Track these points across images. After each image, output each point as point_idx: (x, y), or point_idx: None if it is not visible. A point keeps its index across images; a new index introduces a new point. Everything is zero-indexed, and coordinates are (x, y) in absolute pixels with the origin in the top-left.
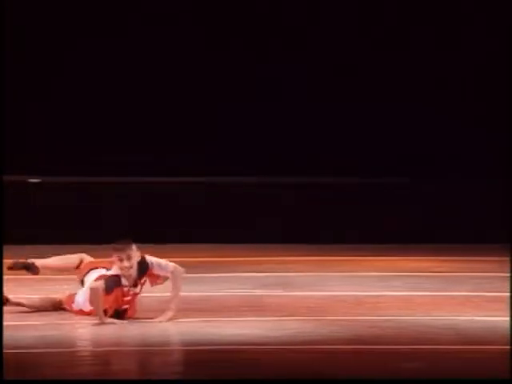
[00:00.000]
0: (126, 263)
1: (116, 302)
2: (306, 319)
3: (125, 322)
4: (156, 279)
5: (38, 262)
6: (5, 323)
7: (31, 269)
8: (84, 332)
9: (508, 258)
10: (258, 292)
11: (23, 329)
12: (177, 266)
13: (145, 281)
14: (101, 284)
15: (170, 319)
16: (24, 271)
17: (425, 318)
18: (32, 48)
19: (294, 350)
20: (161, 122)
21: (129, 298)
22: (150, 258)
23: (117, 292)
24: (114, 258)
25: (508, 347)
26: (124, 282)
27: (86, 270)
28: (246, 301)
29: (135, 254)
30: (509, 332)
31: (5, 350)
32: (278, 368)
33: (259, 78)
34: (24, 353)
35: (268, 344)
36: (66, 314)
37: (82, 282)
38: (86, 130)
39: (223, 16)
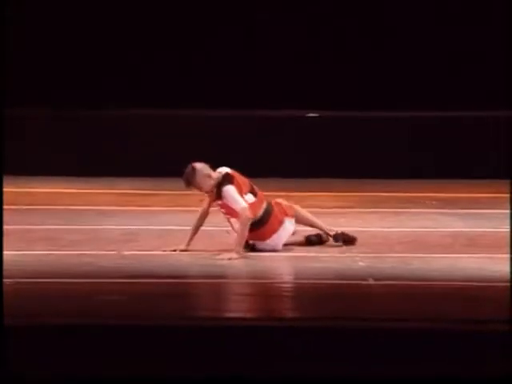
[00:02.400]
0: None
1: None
2: None
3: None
4: (229, 212)
5: None
6: None
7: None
8: None
9: None
10: None
11: None
12: (247, 209)
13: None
14: None
15: (229, 259)
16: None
17: None
18: None
19: None
20: None
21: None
22: (228, 187)
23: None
24: None
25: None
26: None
27: None
28: None
29: (199, 182)
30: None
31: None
32: None
33: None
34: None
35: None
36: None
37: None
38: None
39: None
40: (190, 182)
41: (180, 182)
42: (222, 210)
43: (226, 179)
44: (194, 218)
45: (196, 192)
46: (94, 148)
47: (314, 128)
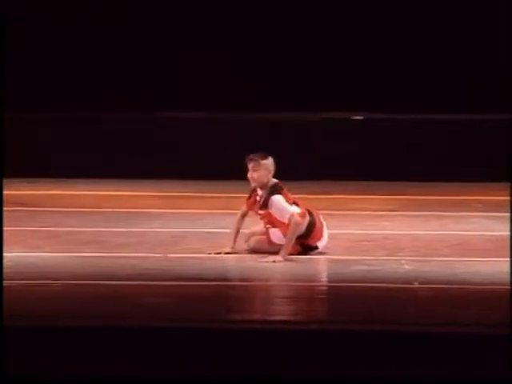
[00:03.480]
0: (249, 174)
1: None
2: None
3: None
4: (270, 221)
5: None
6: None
7: None
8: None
9: None
10: None
11: None
12: (296, 215)
13: (264, 214)
14: None
15: (273, 261)
16: None
17: None
18: None
19: None
20: None
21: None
22: (276, 197)
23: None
24: None
25: None
26: (256, 192)
27: None
28: None
29: (263, 169)
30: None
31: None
32: None
33: None
34: None
35: None
36: None
37: None
38: None
39: None
40: (257, 161)
41: (226, 185)
42: (264, 220)
43: (276, 188)
44: (233, 221)
45: (242, 195)
46: (140, 150)
47: (359, 130)
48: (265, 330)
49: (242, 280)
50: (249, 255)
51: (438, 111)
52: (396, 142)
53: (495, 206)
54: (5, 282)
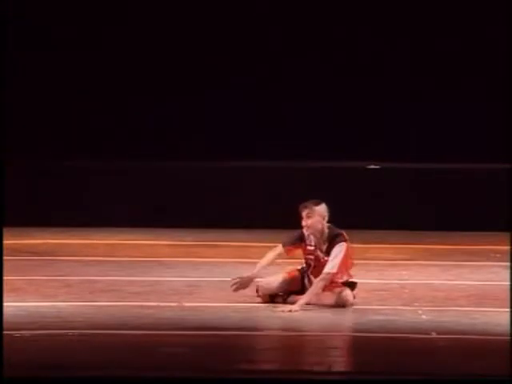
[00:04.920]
0: (303, 221)
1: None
2: None
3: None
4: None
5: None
6: None
7: None
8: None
9: None
10: None
11: None
12: (334, 275)
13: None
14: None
15: (289, 311)
16: None
17: None
18: None
19: None
20: None
21: (311, 256)
22: (343, 245)
23: (299, 246)
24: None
25: None
26: (308, 240)
27: None
28: None
29: (317, 215)
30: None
31: None
32: None
33: None
34: None
35: None
36: None
37: None
38: None
39: None
40: (310, 207)
41: (241, 234)
42: (310, 257)
43: (342, 237)
44: (267, 254)
45: (270, 244)
46: (156, 199)
47: (372, 179)
48: (282, 381)
49: (258, 329)
50: (263, 305)
51: (453, 160)
52: (407, 190)
53: None
54: (18, 332)
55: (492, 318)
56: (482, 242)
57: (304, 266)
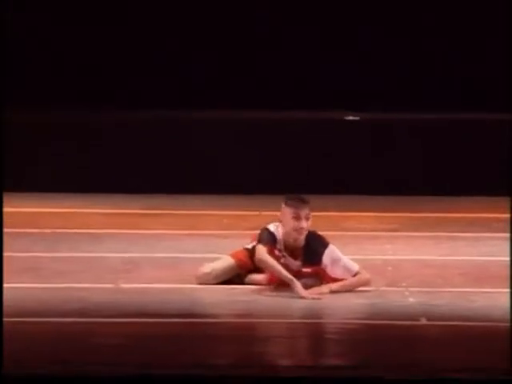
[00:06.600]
0: (303, 223)
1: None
2: None
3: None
4: (327, 278)
5: None
6: None
7: None
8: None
9: None
10: None
11: None
12: (363, 270)
13: (311, 272)
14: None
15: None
16: None
17: None
18: None
19: None
20: None
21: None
22: (333, 249)
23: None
24: (288, 215)
25: None
26: (279, 245)
27: None
28: None
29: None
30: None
31: None
32: None
33: None
34: None
35: None
36: None
37: None
38: None
39: None
40: (309, 205)
41: (194, 200)
42: (307, 270)
43: (319, 237)
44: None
45: (217, 212)
46: (89, 158)
47: (350, 133)
48: (235, 377)
49: (208, 316)
50: (215, 286)
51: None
52: (393, 146)
53: None
54: None
55: (493, 301)
56: (482, 209)
57: (255, 244)
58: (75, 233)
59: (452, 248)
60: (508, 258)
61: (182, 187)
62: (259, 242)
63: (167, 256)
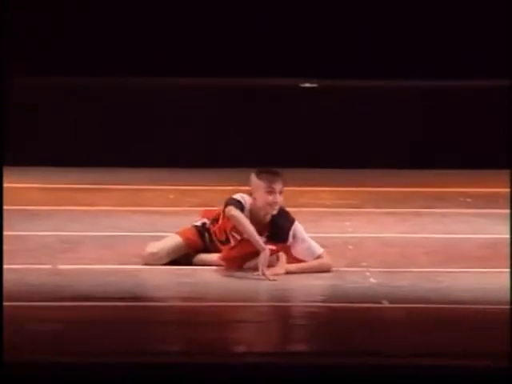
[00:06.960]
0: (278, 198)
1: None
2: None
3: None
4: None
5: None
6: None
7: None
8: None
9: None
10: None
11: None
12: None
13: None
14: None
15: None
16: None
17: None
18: None
19: None
20: None
21: (237, 235)
22: (297, 226)
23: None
24: (261, 189)
25: None
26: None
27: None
28: None
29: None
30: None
31: None
32: None
33: None
34: None
35: None
36: None
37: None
38: None
39: None
40: (282, 179)
41: (139, 173)
42: (236, 236)
43: (286, 213)
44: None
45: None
46: (23, 130)
47: (308, 101)
48: (185, 365)
49: (154, 299)
50: (162, 267)
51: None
52: (355, 116)
53: (488, 201)
54: None
55: (460, 282)
56: (449, 184)
57: (205, 221)
58: (8, 209)
59: (416, 225)
60: (478, 236)
61: (124, 160)
62: (227, 206)
63: (109, 234)
